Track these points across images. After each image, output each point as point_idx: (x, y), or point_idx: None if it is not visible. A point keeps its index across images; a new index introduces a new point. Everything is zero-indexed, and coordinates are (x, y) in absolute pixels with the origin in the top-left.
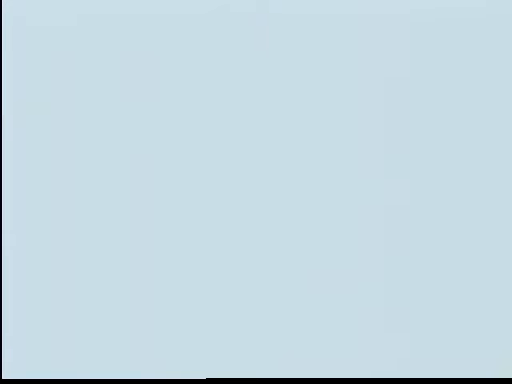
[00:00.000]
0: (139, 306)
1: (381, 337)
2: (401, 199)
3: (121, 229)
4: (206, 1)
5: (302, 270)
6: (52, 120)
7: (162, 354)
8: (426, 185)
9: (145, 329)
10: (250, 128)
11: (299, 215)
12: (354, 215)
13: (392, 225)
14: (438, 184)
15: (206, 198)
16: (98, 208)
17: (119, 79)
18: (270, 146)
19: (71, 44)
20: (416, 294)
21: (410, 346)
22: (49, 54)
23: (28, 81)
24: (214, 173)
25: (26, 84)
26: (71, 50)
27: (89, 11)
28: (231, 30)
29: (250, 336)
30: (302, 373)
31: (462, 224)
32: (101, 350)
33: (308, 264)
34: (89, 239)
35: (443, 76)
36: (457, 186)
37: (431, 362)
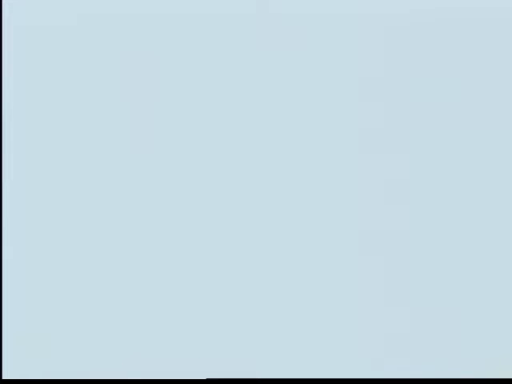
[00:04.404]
0: (139, 306)
1: (381, 336)
2: (399, 197)
3: (120, 228)
4: (206, 1)
5: (301, 270)
6: (52, 119)
7: (162, 354)
8: (425, 184)
9: (145, 329)
10: (250, 123)
11: (296, 214)
12: (352, 214)
13: (390, 223)
14: (437, 183)
15: (202, 196)
16: (97, 207)
17: (119, 79)
18: (269, 143)
19: (71, 43)
20: (416, 294)
21: (410, 346)
22: (49, 54)
23: (28, 80)
24: (214, 171)
25: (25, 84)
26: (71, 50)
27: (89, 11)
28: (231, 30)
29: (250, 336)
30: (302, 373)
31: (461, 224)
32: (100, 351)
33: (307, 264)
34: (88, 239)
35: (443, 76)
36: (456, 186)
37: (431, 362)
